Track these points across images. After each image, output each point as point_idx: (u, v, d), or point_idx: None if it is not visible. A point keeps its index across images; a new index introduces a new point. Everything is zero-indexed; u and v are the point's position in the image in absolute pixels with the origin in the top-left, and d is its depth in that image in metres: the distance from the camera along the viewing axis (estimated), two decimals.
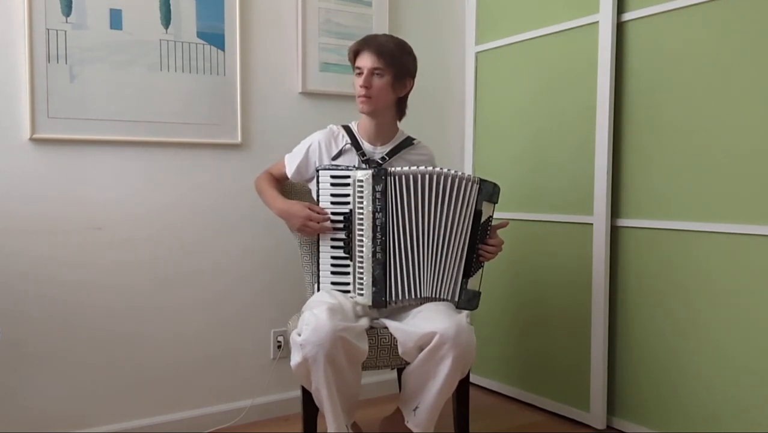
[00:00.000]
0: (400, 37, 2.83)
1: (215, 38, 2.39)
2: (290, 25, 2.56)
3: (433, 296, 1.94)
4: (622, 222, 2.38)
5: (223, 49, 2.40)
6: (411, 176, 1.90)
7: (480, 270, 1.99)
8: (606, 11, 2.36)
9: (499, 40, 2.83)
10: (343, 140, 2.07)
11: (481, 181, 1.94)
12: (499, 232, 2.02)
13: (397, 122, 2.12)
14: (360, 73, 1.99)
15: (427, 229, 1.91)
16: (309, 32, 2.58)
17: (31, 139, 2.11)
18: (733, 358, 2.06)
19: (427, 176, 1.90)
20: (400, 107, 2.08)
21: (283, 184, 2.18)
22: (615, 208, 2.40)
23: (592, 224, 2.44)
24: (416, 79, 2.90)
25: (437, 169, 1.92)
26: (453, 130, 3.02)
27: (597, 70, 2.39)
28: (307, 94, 2.59)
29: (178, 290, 2.37)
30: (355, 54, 2.01)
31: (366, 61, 1.97)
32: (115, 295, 2.26)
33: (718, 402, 2.11)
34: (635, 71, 2.33)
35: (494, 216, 1.98)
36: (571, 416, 2.54)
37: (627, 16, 2.33)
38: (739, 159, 2.04)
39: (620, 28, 2.36)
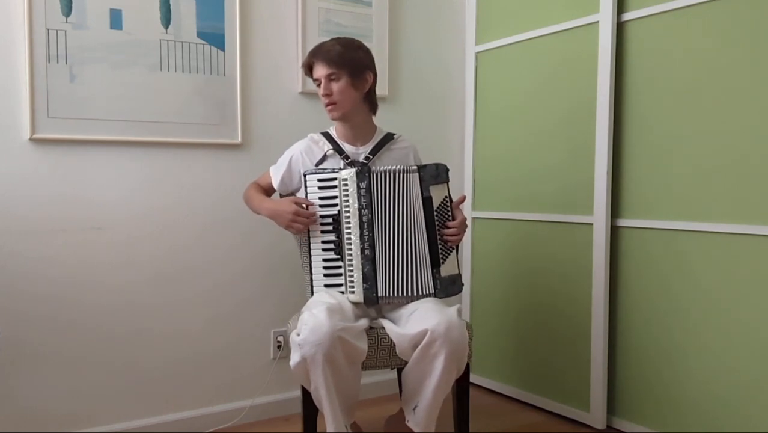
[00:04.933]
0: (400, 37, 2.85)
1: (215, 38, 2.39)
2: (290, 25, 2.57)
3: (414, 292, 1.94)
4: (622, 222, 2.38)
5: (223, 49, 2.41)
6: (393, 173, 1.93)
7: (452, 254, 1.99)
8: (606, 11, 2.36)
9: (499, 40, 2.83)
10: (325, 146, 2.08)
11: (420, 168, 1.96)
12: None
13: (373, 118, 2.13)
14: (319, 84, 2.02)
15: (401, 225, 1.94)
16: (309, 32, 2.58)
17: (31, 139, 2.11)
18: (734, 358, 2.06)
19: (398, 172, 1.94)
20: (370, 103, 2.09)
21: (270, 195, 2.20)
22: (615, 209, 2.40)
23: (592, 224, 2.44)
24: (416, 79, 2.91)
25: (402, 165, 1.97)
26: (453, 130, 3.02)
27: (597, 70, 2.39)
28: (307, 94, 2.59)
29: (178, 289, 2.37)
30: (309, 68, 2.04)
31: (319, 70, 2.00)
32: (115, 295, 2.26)
33: (717, 402, 2.11)
34: (635, 71, 2.33)
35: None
36: (571, 416, 2.54)
37: (627, 16, 2.33)
38: (739, 159, 2.04)
39: (620, 28, 2.36)
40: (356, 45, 2.04)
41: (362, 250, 1.92)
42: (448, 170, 2.00)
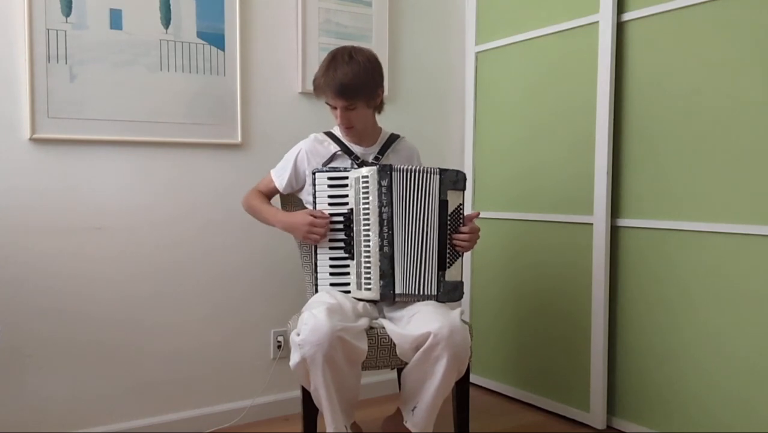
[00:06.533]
0: (400, 37, 2.84)
1: (215, 38, 2.39)
2: (290, 25, 2.57)
3: (418, 291, 1.94)
4: (622, 222, 2.38)
5: (223, 49, 2.41)
6: (414, 172, 1.93)
7: (458, 260, 1.99)
8: (606, 11, 2.36)
9: (499, 40, 2.83)
10: (330, 146, 2.08)
11: (441, 171, 1.96)
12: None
13: (377, 118, 2.14)
14: (334, 107, 1.99)
15: (416, 224, 1.94)
16: (309, 32, 2.58)
17: (31, 139, 2.11)
18: (734, 358, 2.06)
19: (417, 172, 1.94)
20: (378, 109, 2.12)
21: (271, 199, 2.19)
22: (615, 209, 2.40)
23: (592, 224, 2.44)
24: (416, 79, 2.91)
25: (420, 165, 1.98)
26: (453, 130, 3.02)
27: (597, 70, 2.39)
28: (307, 94, 2.59)
29: (178, 289, 2.37)
30: (321, 93, 1.99)
31: (333, 101, 1.97)
32: (115, 295, 2.26)
33: (718, 402, 2.11)
34: (635, 71, 2.33)
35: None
36: (571, 416, 2.54)
37: (627, 16, 2.33)
38: (739, 159, 2.04)
39: (620, 28, 2.36)
40: (366, 66, 1.96)
41: (381, 247, 1.91)
42: (466, 179, 2.00)
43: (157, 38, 2.28)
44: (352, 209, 1.95)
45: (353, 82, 1.92)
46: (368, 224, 1.92)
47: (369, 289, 1.93)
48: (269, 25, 2.52)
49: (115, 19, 2.21)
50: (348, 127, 2.02)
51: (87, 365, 2.23)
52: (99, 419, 2.25)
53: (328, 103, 2.01)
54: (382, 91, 2.06)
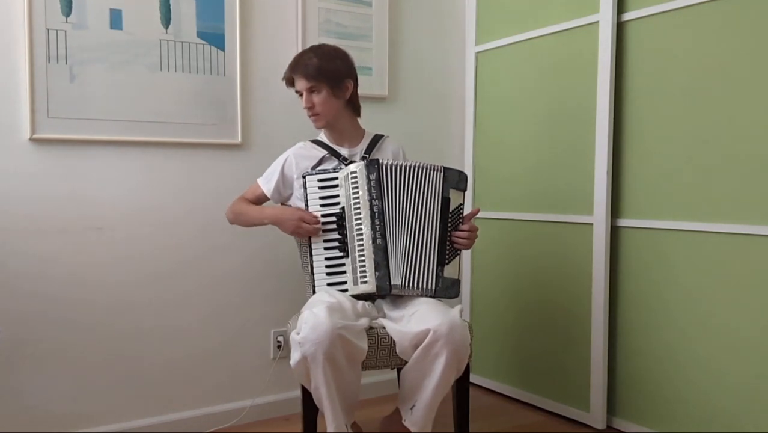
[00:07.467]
0: (400, 37, 2.84)
1: (215, 38, 2.39)
2: (290, 25, 2.57)
3: (416, 285, 1.94)
4: (622, 222, 2.38)
5: (223, 49, 2.41)
6: (401, 167, 1.96)
7: (457, 258, 2.01)
8: (606, 11, 2.36)
9: (499, 40, 2.83)
10: (318, 151, 2.12)
11: (445, 169, 1.99)
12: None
13: (359, 121, 2.18)
14: (301, 95, 2.07)
15: (414, 218, 1.95)
16: (309, 32, 2.58)
17: (31, 139, 2.11)
18: (734, 358, 2.06)
19: (416, 168, 1.96)
20: (352, 107, 2.14)
21: None
22: (615, 209, 2.40)
23: (592, 224, 2.44)
24: (416, 79, 2.91)
25: (421, 162, 1.99)
26: (453, 130, 3.02)
27: (597, 70, 2.39)
28: None
29: (178, 290, 2.37)
30: (289, 81, 2.10)
31: (300, 84, 2.06)
32: (115, 295, 2.26)
33: (718, 401, 2.10)
34: (635, 71, 2.33)
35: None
36: (571, 416, 2.53)
37: (627, 16, 2.34)
38: (739, 159, 2.04)
39: (620, 28, 2.36)
40: (333, 55, 2.06)
41: (374, 239, 1.93)
42: (467, 180, 2.02)
43: (157, 38, 2.29)
44: (344, 207, 1.97)
45: (315, 64, 2.01)
46: (360, 218, 1.94)
47: (365, 282, 1.93)
48: (269, 25, 2.52)
49: (115, 19, 2.22)
50: (314, 113, 2.06)
51: (87, 364, 2.23)
52: (99, 419, 2.25)
53: (296, 92, 2.08)
54: (352, 86, 2.09)
